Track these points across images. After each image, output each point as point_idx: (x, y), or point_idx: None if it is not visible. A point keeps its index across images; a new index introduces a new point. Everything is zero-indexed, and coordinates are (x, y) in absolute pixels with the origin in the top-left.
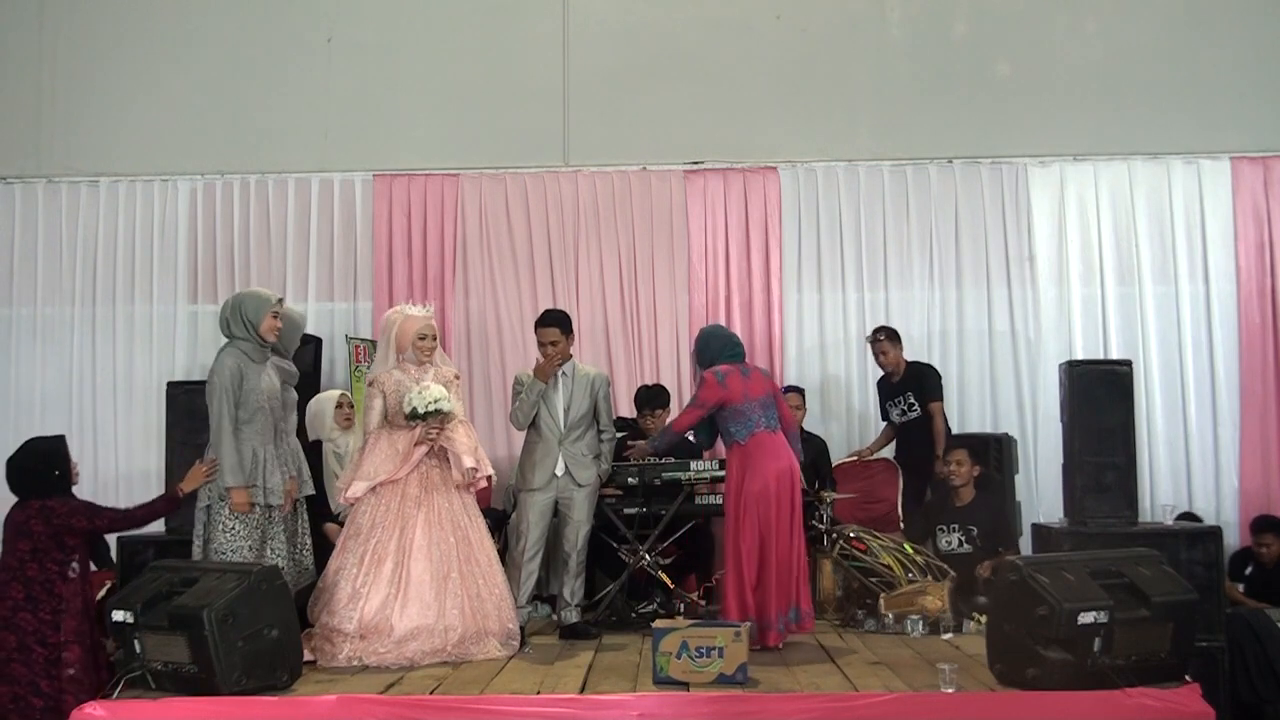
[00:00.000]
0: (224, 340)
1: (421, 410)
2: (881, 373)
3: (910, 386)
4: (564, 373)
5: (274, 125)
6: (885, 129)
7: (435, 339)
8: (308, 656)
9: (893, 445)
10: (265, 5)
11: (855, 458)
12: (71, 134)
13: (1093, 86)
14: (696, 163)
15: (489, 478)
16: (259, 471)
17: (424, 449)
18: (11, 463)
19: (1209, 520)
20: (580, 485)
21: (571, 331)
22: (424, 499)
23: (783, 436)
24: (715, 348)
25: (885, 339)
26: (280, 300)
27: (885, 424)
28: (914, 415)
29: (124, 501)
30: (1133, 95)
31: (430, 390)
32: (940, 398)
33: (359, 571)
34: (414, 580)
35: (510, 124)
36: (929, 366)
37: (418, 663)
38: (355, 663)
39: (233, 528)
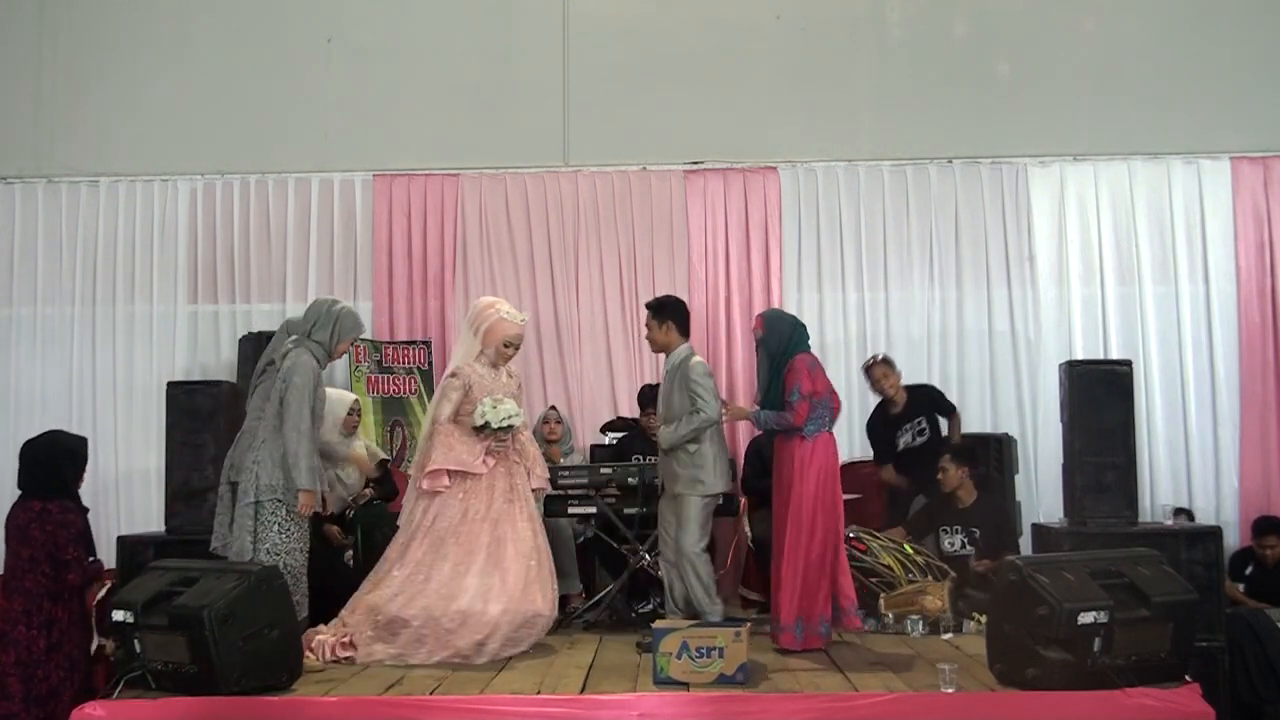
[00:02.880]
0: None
1: (495, 425)
2: (876, 410)
3: (921, 410)
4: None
5: (274, 125)
6: (885, 129)
7: (519, 348)
8: (329, 656)
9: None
10: (265, 5)
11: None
12: (71, 134)
13: (1093, 86)
14: (696, 163)
15: None
16: (320, 476)
17: (492, 460)
18: (31, 449)
19: (1209, 520)
20: (672, 495)
21: (669, 319)
22: (512, 495)
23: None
24: (785, 332)
25: (886, 363)
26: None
27: (885, 469)
28: (923, 440)
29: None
30: (1133, 95)
31: (505, 405)
32: (954, 408)
33: (449, 566)
34: (511, 576)
35: (510, 124)
36: (931, 386)
37: (499, 655)
38: (409, 660)
39: (289, 529)
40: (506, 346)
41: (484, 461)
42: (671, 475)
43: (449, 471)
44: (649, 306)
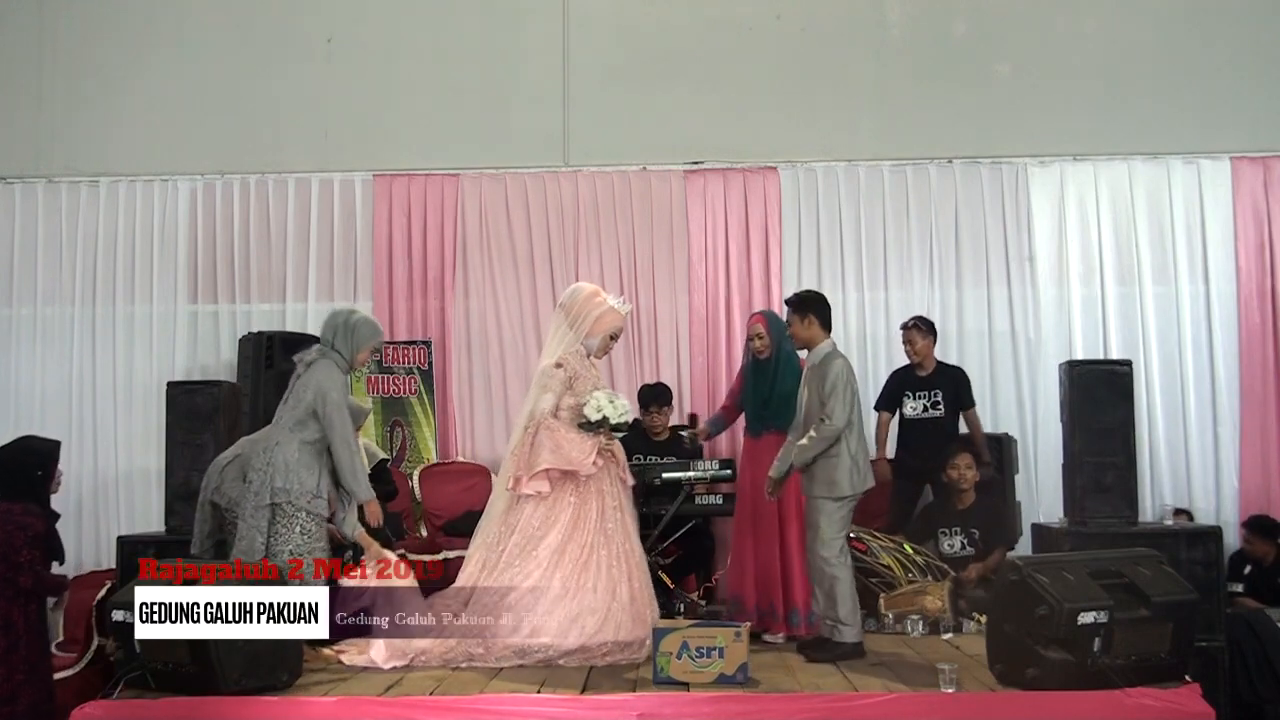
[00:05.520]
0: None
1: (614, 420)
2: (905, 362)
3: (942, 385)
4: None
5: (274, 125)
6: (885, 129)
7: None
8: (371, 658)
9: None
10: (265, 5)
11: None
12: (71, 134)
13: (1093, 86)
14: (696, 163)
15: None
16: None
17: (600, 461)
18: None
19: (1209, 520)
20: (809, 498)
21: (810, 313)
22: (620, 505)
23: None
24: (785, 334)
25: (913, 328)
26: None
27: (881, 414)
28: (934, 415)
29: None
30: (1133, 95)
31: (621, 400)
32: (974, 403)
33: (571, 572)
34: (639, 594)
35: (510, 124)
36: (963, 371)
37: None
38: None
39: (310, 530)
40: (613, 338)
41: (594, 462)
42: (807, 476)
43: (551, 475)
44: (789, 303)
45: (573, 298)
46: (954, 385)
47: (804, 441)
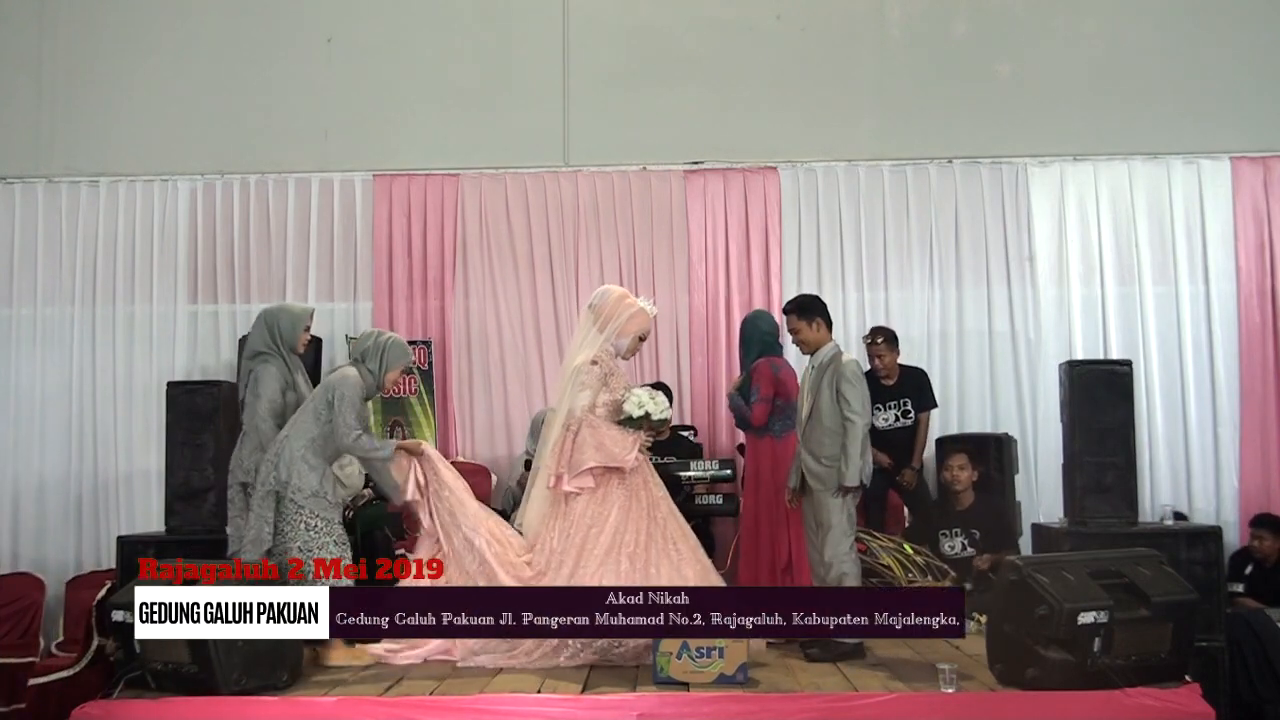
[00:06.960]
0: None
1: (657, 416)
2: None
3: (908, 392)
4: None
5: (274, 125)
6: (885, 129)
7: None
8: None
9: None
10: (265, 5)
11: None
12: (71, 134)
13: (1093, 86)
14: (696, 163)
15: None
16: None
17: (641, 456)
18: None
19: (1209, 520)
20: (810, 493)
21: (817, 316)
22: (662, 495)
23: None
24: (751, 335)
25: (884, 342)
26: (311, 313)
27: None
28: (905, 424)
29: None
30: (1133, 95)
31: (661, 397)
32: (936, 404)
33: (631, 565)
34: (700, 575)
35: (510, 124)
36: (923, 371)
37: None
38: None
39: (319, 528)
40: (641, 339)
41: (635, 457)
42: (808, 471)
43: (594, 472)
44: (791, 309)
45: (603, 299)
46: (917, 388)
47: (844, 466)
